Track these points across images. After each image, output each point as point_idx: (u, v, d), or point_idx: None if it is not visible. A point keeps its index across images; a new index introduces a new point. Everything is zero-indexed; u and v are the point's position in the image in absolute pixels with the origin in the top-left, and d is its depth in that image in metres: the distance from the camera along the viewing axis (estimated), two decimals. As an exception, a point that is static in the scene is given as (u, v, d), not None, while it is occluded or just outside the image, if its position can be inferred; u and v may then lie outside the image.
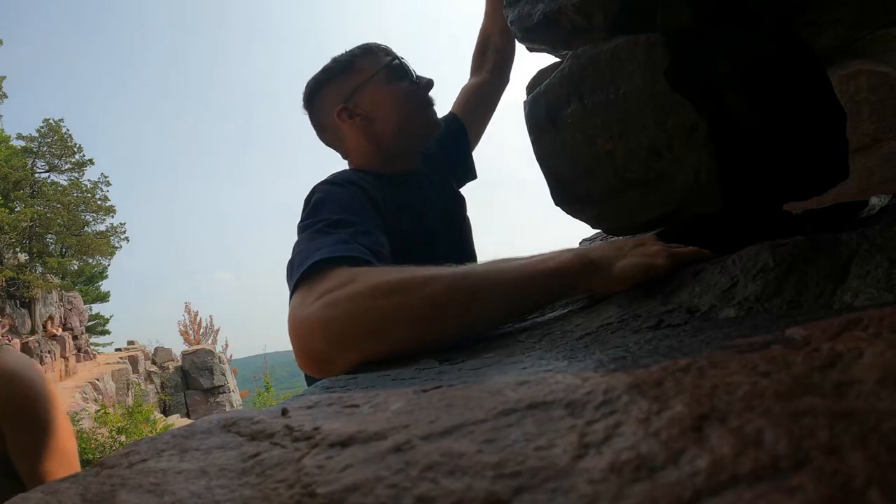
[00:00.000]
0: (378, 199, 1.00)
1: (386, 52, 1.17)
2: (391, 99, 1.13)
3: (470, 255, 1.23)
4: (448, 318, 0.69)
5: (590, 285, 0.73)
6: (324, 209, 0.93)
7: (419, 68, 1.20)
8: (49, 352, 12.31)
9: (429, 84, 1.17)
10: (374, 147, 1.15)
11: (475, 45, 1.49)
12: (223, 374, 16.06)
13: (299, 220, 0.97)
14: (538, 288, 0.72)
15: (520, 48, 1.03)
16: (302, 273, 0.76)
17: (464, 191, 1.34)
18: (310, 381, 1.11)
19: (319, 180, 1.06)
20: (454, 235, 1.20)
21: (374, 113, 1.14)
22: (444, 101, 1.54)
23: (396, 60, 1.15)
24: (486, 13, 1.46)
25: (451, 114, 1.40)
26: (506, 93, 1.51)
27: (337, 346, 0.70)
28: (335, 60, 1.18)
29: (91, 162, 15.78)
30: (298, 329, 0.73)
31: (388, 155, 1.15)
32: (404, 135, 1.14)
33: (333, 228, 0.87)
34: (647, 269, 0.69)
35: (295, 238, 0.93)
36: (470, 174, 1.38)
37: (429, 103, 1.17)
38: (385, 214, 0.99)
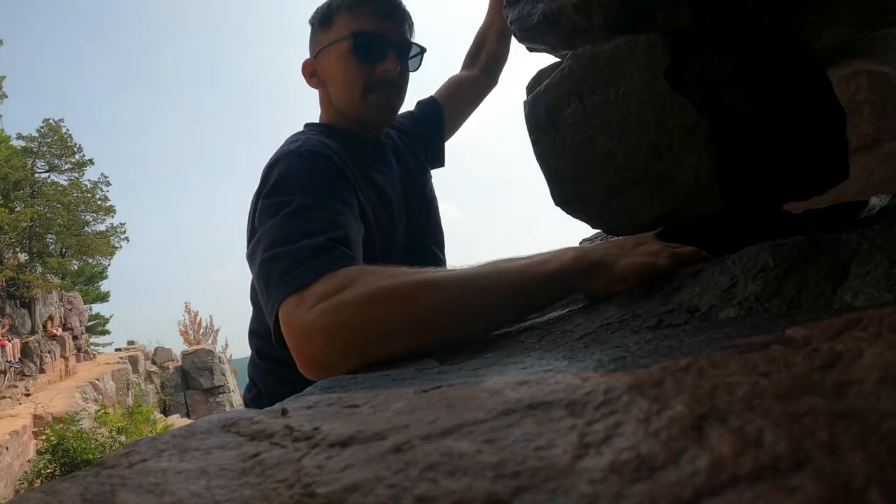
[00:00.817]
0: (347, 171, 0.95)
1: (368, 14, 1.04)
2: (339, 76, 1.06)
3: (431, 231, 1.21)
4: (451, 323, 0.69)
5: (591, 286, 0.73)
6: (291, 186, 0.87)
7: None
8: (49, 352, 12.31)
9: (391, 70, 1.04)
10: (335, 111, 1.10)
11: (472, 42, 1.50)
12: (223, 374, 16.07)
13: (259, 189, 0.91)
14: (539, 289, 0.72)
15: (520, 48, 1.02)
16: (293, 280, 0.74)
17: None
18: (253, 371, 1.10)
19: (282, 144, 1.00)
20: (417, 212, 1.16)
21: (327, 80, 1.09)
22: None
23: (362, 36, 1.03)
24: (487, 14, 1.47)
25: (431, 98, 1.39)
26: (505, 93, 1.52)
27: (338, 353, 0.69)
28: (321, 5, 1.08)
29: (91, 162, 15.79)
30: (297, 336, 0.72)
31: (349, 120, 1.09)
32: (348, 115, 1.09)
33: (305, 213, 0.83)
34: (648, 268, 0.69)
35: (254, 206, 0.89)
36: (438, 160, 1.35)
37: (375, 90, 1.05)
38: (354, 185, 0.95)
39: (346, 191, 0.92)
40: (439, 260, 1.20)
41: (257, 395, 1.08)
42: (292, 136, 1.04)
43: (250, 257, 0.87)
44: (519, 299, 0.72)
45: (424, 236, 1.17)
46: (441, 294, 0.69)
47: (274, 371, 1.04)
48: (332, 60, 1.06)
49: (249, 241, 0.89)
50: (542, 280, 0.71)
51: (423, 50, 1.11)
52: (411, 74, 1.13)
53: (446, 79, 1.46)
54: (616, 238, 0.92)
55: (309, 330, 0.70)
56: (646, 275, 0.69)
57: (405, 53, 1.07)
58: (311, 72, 1.10)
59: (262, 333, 1.00)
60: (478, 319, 0.71)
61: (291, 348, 0.73)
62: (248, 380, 1.15)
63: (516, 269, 0.72)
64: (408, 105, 1.39)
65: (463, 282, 0.71)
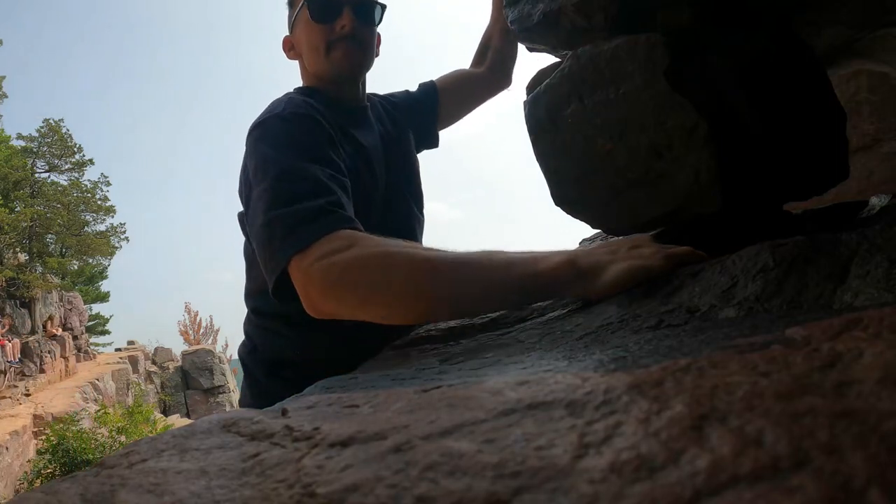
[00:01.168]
0: (329, 129, 1.00)
1: None
2: (305, 42, 1.13)
3: (412, 192, 1.24)
4: (439, 303, 0.74)
5: (581, 292, 0.73)
6: (281, 146, 0.92)
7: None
8: (49, 352, 12.31)
9: (347, 26, 1.08)
10: (312, 77, 1.16)
11: (479, 42, 1.50)
12: (223, 374, 16.07)
13: (247, 152, 0.96)
14: (525, 289, 0.73)
15: (520, 48, 1.02)
16: (298, 241, 0.81)
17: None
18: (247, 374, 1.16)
19: (267, 107, 1.04)
20: (398, 171, 1.20)
21: (300, 49, 1.15)
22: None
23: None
24: (491, 13, 1.47)
25: (431, 82, 1.42)
26: (505, 93, 1.51)
27: (335, 305, 0.79)
28: None
29: (91, 162, 15.78)
30: (302, 286, 0.81)
31: (324, 82, 1.14)
32: (321, 77, 1.14)
33: (296, 174, 0.88)
34: (641, 272, 0.69)
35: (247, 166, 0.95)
36: (429, 139, 1.39)
37: (336, 47, 1.09)
38: (337, 143, 1.00)
39: (330, 149, 0.97)
40: (417, 219, 1.24)
41: (252, 350, 1.13)
42: (277, 100, 1.09)
43: (246, 218, 0.94)
44: (505, 295, 0.74)
45: (404, 195, 1.21)
46: (433, 274, 0.74)
47: (269, 327, 1.10)
48: (300, 29, 1.13)
49: (242, 198, 0.97)
50: (528, 281, 0.72)
51: (383, 7, 1.16)
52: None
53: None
54: (613, 239, 0.91)
55: (311, 281, 0.79)
56: (639, 278, 0.68)
57: (364, 10, 1.12)
58: (290, 46, 1.19)
59: (258, 293, 1.08)
60: (464, 306, 0.75)
61: (300, 295, 0.82)
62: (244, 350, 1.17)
63: (506, 264, 0.74)
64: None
65: (455, 267, 0.74)
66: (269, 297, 0.89)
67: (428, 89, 1.39)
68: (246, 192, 0.96)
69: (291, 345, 1.05)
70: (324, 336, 1.00)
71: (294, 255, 0.81)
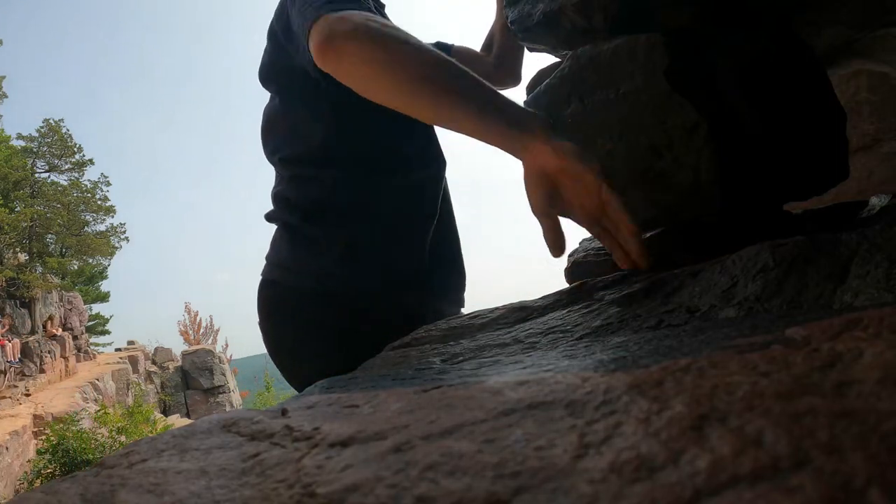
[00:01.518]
0: None
1: None
2: None
3: None
4: (427, 95, 0.77)
5: (525, 133, 0.73)
6: None
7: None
8: (49, 352, 12.31)
9: None
10: None
11: (483, 40, 1.51)
12: (223, 374, 16.07)
13: None
14: (487, 123, 0.75)
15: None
16: (340, 4, 0.85)
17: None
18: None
19: None
20: None
21: None
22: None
23: None
24: (495, 11, 1.48)
25: (446, 44, 1.44)
26: (505, 93, 1.51)
27: (336, 57, 0.81)
28: None
29: (91, 162, 15.79)
30: (319, 29, 0.83)
31: None
32: None
33: None
34: (581, 162, 0.69)
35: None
36: None
37: None
38: None
39: None
40: None
41: (285, 204, 1.13)
42: None
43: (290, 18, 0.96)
44: (473, 119, 0.76)
45: None
46: (450, 80, 0.77)
47: (300, 174, 1.11)
48: None
49: (276, 23, 1.02)
50: (497, 113, 0.74)
51: None
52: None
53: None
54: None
55: (338, 26, 0.82)
56: (577, 161, 0.69)
57: None
58: None
59: (285, 142, 1.11)
60: (437, 107, 0.78)
61: (315, 37, 0.84)
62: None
63: (483, 97, 0.76)
64: None
65: (461, 77, 0.77)
66: (297, 140, 1.03)
67: (440, 47, 1.40)
68: (281, 7, 0.99)
69: (324, 186, 1.07)
70: (347, 173, 1.05)
71: (330, 13, 0.84)
